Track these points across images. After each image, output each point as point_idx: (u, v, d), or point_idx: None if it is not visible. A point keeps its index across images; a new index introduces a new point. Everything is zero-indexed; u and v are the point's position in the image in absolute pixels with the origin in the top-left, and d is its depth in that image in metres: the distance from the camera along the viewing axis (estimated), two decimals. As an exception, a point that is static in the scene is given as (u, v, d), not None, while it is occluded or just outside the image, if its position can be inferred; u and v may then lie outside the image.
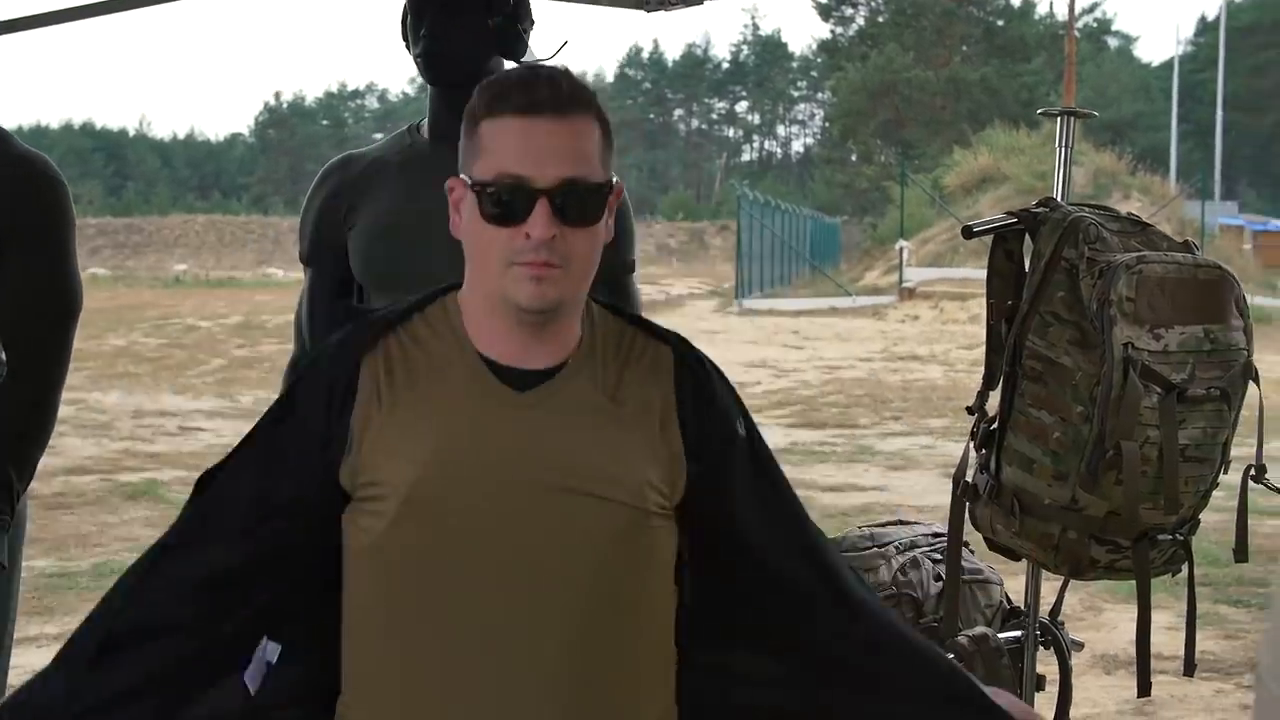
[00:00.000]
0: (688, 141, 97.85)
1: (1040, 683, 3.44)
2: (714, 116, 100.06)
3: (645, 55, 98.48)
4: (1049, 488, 3.03)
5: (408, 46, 3.38)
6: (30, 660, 6.84)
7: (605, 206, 2.18)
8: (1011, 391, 3.08)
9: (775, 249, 41.03)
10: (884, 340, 25.06)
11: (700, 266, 53.56)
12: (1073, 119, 3.43)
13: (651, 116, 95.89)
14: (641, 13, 3.94)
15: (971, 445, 3.20)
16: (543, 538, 2.14)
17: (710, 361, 2.31)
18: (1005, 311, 3.13)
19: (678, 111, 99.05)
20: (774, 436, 13.89)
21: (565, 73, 2.17)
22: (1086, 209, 3.14)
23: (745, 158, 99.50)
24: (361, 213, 3.33)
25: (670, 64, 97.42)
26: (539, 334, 2.18)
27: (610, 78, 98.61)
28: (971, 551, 3.48)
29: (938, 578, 3.36)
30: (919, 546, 3.44)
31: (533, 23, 3.36)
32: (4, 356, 3.47)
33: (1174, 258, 3.02)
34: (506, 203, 2.13)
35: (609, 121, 2.20)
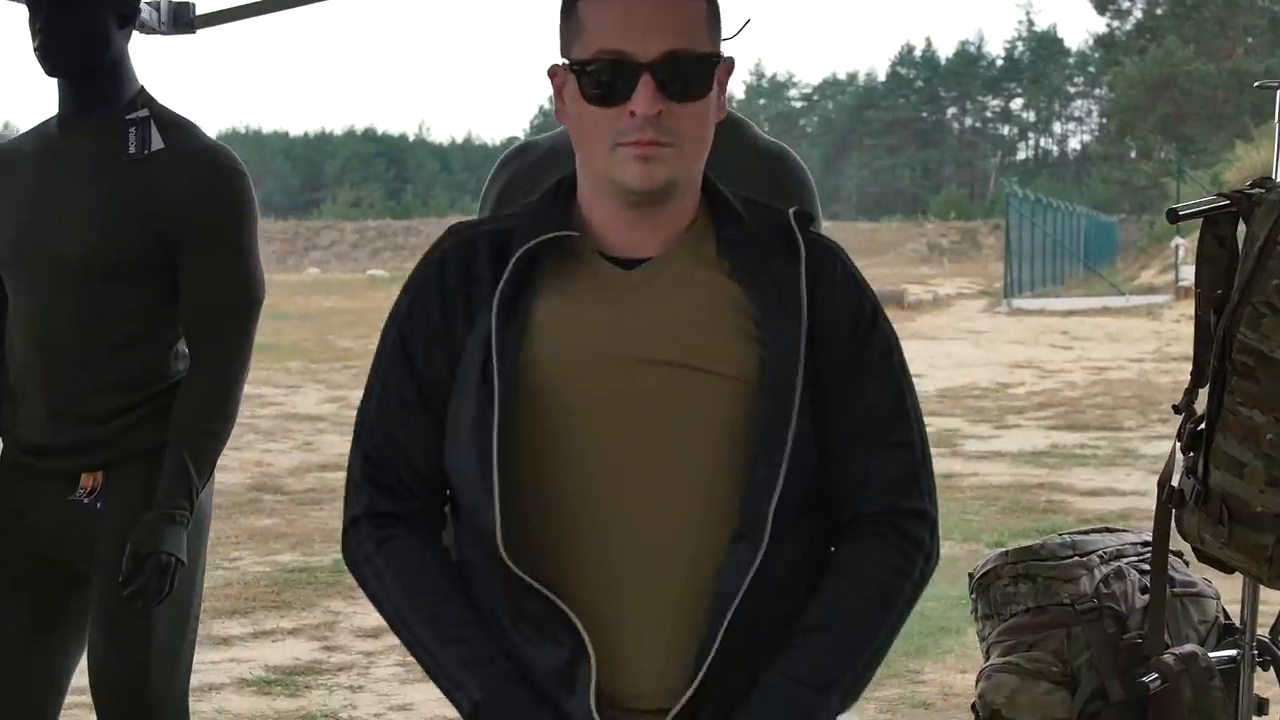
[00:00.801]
0: (961, 140, 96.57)
1: (1262, 706, 3.17)
2: (988, 114, 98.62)
3: (918, 53, 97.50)
4: (1261, 494, 2.77)
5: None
6: (264, 655, 6.92)
7: (713, 79, 2.08)
8: (1220, 389, 2.83)
9: (1047, 248, 40.24)
10: (1157, 340, 24.28)
11: (972, 266, 52.73)
12: (1292, 92, 3.15)
13: (924, 115, 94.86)
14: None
15: (1178, 447, 2.96)
16: (648, 412, 2.06)
17: (833, 244, 2.19)
18: (1214, 302, 2.88)
19: (951, 110, 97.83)
20: (1033, 438, 13.57)
21: None
22: (1306, 189, 2.87)
23: (1020, 156, 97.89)
24: (535, 202, 3.21)
25: (943, 62, 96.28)
26: (650, 215, 2.10)
27: (882, 76, 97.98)
28: (1186, 563, 3.23)
29: (1144, 590, 3.10)
30: (1125, 556, 3.18)
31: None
32: (185, 350, 3.46)
33: None
34: (608, 81, 2.04)
35: None
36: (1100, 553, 3.17)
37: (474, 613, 2.11)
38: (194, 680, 6.42)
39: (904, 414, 2.17)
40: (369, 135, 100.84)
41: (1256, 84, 3.45)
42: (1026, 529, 9.32)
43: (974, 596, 3.23)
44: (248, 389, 3.53)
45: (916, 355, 21.77)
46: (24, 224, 3.38)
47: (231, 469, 11.78)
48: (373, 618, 7.31)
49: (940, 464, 12.56)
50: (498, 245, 2.16)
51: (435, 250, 2.23)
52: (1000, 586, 3.16)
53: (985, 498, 10.80)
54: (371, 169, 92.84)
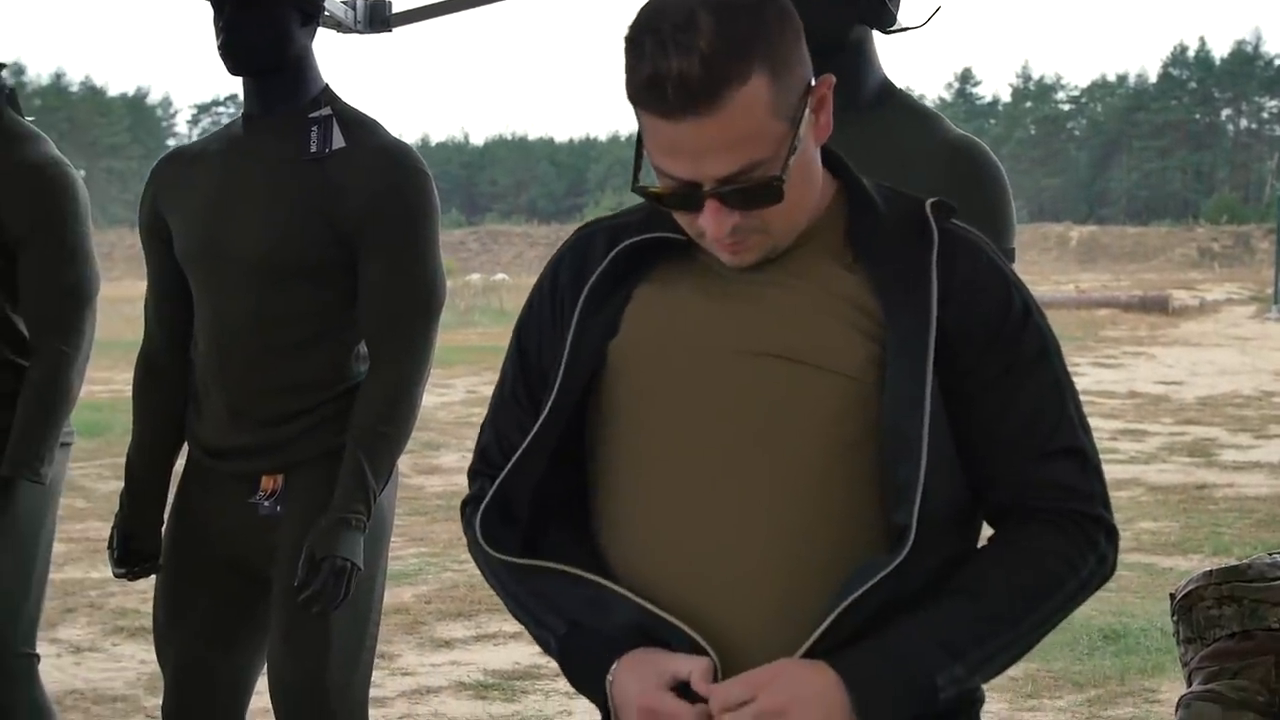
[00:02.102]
0: (1235, 142, 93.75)
1: None
2: (1264, 116, 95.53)
3: (1191, 53, 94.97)
4: None
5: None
6: (484, 658, 6.91)
7: (786, 175, 1.88)
8: None
9: (1322, 252, 38.81)
10: None
11: (1244, 271, 50.99)
12: None
13: (1197, 117, 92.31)
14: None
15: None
16: (739, 404, 1.94)
17: (978, 236, 2.03)
18: None
19: (1225, 111, 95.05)
20: (1290, 454, 13.02)
21: (699, 37, 1.82)
22: None
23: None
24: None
25: (1218, 62, 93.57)
26: None
27: (1154, 77, 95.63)
28: None
29: (1363, 616, 2.87)
30: (1343, 579, 2.94)
31: (900, -14, 3.04)
32: (364, 350, 3.41)
33: None
34: (674, 196, 1.91)
35: (777, 47, 1.87)
36: (1315, 574, 2.94)
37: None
38: (413, 683, 6.52)
39: (1068, 418, 2.00)
40: (633, 142, 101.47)
41: None
42: (1283, 544, 8.91)
43: (1176, 619, 3.02)
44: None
45: (1178, 361, 21.09)
46: (207, 223, 3.37)
47: (473, 471, 11.86)
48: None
49: (1195, 474, 12.10)
50: (611, 241, 2.07)
51: (559, 249, 2.16)
52: (1204, 609, 2.94)
53: (1240, 510, 10.38)
54: (628, 176, 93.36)
